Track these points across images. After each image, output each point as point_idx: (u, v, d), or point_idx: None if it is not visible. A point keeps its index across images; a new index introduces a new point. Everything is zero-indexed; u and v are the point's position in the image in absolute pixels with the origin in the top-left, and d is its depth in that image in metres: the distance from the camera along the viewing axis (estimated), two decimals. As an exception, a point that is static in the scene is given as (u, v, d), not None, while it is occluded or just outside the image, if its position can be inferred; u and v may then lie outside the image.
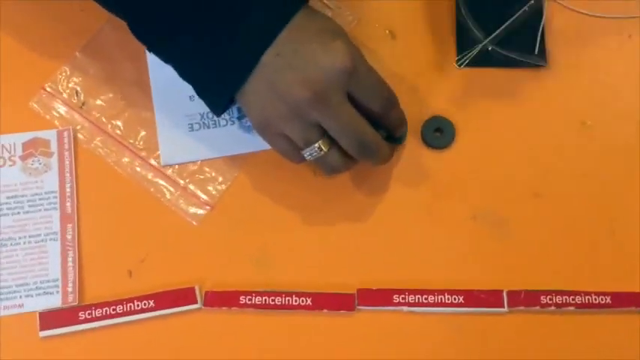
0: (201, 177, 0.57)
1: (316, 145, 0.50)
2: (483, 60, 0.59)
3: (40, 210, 0.55)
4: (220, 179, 0.57)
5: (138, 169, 0.57)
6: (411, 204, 0.56)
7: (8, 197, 0.55)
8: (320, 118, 0.49)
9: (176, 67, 0.52)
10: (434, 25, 0.60)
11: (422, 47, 0.60)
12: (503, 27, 0.60)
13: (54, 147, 0.56)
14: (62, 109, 0.58)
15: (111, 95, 0.58)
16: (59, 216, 0.55)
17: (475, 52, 0.59)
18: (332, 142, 0.50)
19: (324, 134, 0.50)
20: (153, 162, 0.57)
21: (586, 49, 0.60)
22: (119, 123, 0.58)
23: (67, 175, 0.56)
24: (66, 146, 0.56)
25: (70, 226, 0.55)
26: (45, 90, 0.58)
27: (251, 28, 0.48)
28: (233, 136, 0.58)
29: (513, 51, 0.59)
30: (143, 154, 0.57)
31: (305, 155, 0.51)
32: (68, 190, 0.55)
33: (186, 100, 0.58)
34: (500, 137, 0.58)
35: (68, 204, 0.55)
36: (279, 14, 0.49)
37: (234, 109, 0.58)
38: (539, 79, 0.59)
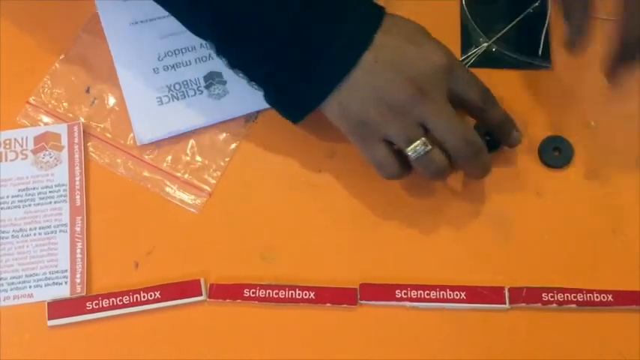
0: (195, 166, 0.57)
1: (420, 141, 0.50)
2: (487, 61, 0.60)
3: (50, 202, 0.56)
4: (214, 166, 0.57)
5: (132, 167, 0.57)
6: (415, 200, 0.57)
7: (20, 190, 0.56)
8: (424, 115, 0.49)
9: (251, 72, 0.52)
10: (438, 25, 0.59)
11: (427, 48, 0.60)
12: (507, 28, 0.60)
13: (64, 141, 0.57)
14: (49, 120, 0.58)
15: (95, 99, 0.59)
16: (69, 208, 0.56)
17: (479, 53, 0.60)
18: (435, 142, 0.50)
19: (427, 134, 0.50)
20: (147, 158, 0.57)
21: (590, 51, 0.60)
22: (107, 126, 0.58)
23: (77, 168, 0.57)
24: (76, 140, 0.57)
25: (79, 218, 0.56)
26: (30, 103, 0.59)
27: (346, 35, 0.49)
28: (203, 106, 0.57)
29: (517, 52, 0.60)
30: (135, 152, 0.58)
31: (410, 153, 0.50)
32: (77, 183, 0.56)
33: (150, 74, 0.57)
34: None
35: (77, 197, 0.56)
36: (370, 23, 0.50)
37: (200, 79, 0.58)
38: (543, 80, 0.60)
